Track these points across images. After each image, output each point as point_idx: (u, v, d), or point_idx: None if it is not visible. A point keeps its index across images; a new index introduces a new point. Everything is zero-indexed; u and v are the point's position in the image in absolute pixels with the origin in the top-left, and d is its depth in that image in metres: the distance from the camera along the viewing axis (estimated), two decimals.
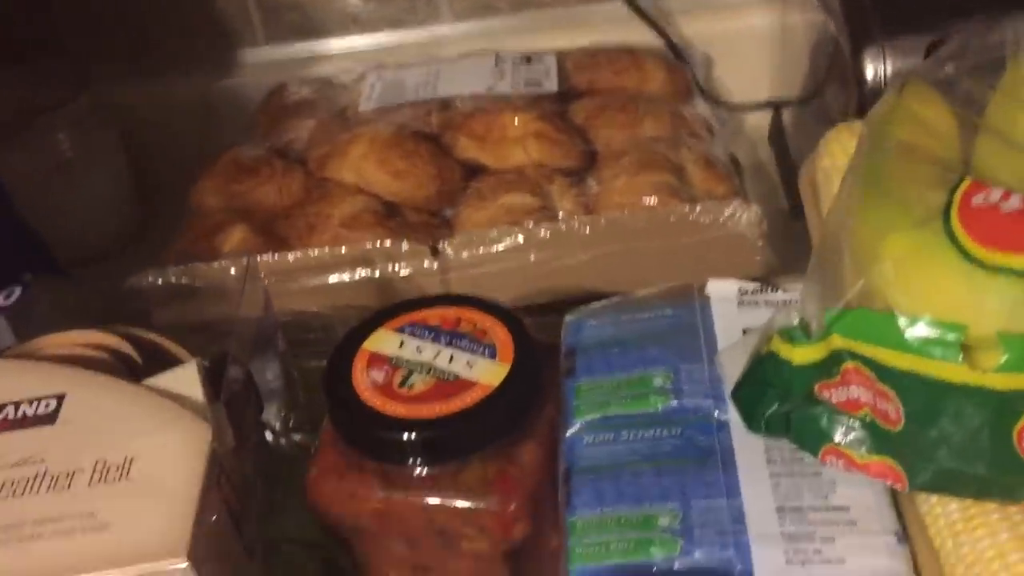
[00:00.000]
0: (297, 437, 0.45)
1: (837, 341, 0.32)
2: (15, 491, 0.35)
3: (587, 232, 0.55)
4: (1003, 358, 0.29)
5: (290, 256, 0.55)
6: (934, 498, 0.33)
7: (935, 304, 0.30)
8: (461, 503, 0.37)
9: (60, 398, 0.38)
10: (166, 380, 0.39)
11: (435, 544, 0.39)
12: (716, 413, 0.38)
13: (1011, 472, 0.29)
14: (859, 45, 0.53)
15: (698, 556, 0.33)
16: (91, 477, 0.35)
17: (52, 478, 0.36)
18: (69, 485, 0.35)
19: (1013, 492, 0.30)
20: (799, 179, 0.49)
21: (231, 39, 0.74)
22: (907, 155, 0.33)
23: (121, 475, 0.35)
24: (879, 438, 0.32)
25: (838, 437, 0.33)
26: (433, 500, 0.38)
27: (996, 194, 0.30)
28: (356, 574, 0.42)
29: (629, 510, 0.35)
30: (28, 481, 0.36)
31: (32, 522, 0.34)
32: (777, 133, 0.69)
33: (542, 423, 0.40)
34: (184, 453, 0.36)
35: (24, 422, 0.38)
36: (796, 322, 0.34)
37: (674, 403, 0.38)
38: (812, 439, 0.33)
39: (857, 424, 0.32)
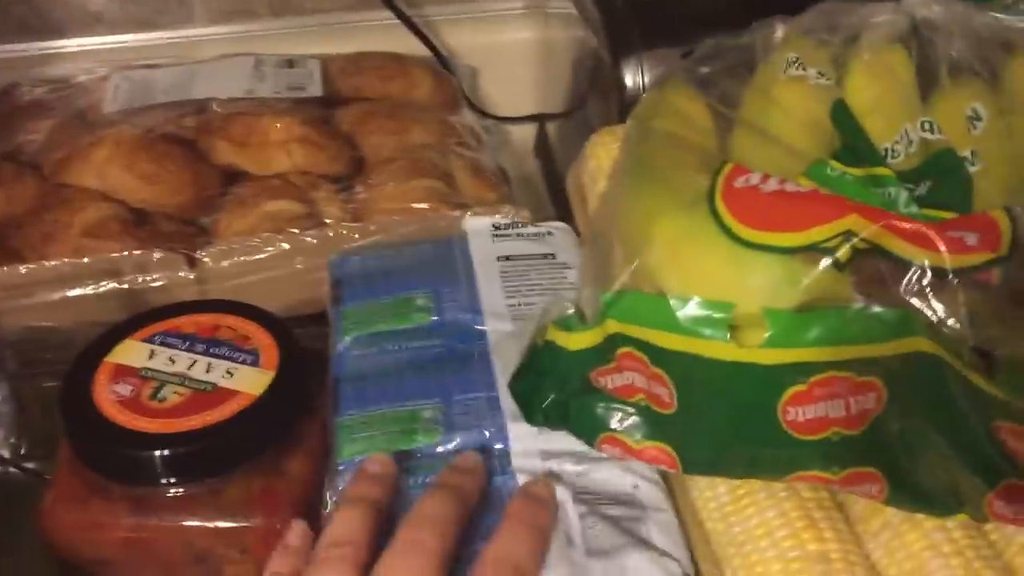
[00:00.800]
0: (30, 465, 0.40)
1: (612, 325, 0.32)
2: None
3: (356, 238, 0.53)
4: (767, 333, 0.29)
5: (22, 268, 0.50)
6: (704, 482, 0.33)
7: (704, 284, 0.30)
8: (222, 523, 0.34)
9: None
10: None
11: (195, 572, 0.36)
12: (475, 325, 0.40)
13: (777, 446, 0.30)
14: (619, 56, 0.54)
15: (459, 439, 0.36)
16: None
17: None
18: None
19: (779, 468, 0.31)
20: (567, 184, 0.50)
21: None
22: (672, 144, 0.34)
23: None
24: (653, 423, 0.32)
25: (614, 424, 0.33)
26: (191, 522, 0.34)
27: (756, 177, 0.31)
28: None
29: (393, 408, 0.37)
30: None
31: None
32: (542, 145, 0.71)
33: (311, 432, 0.38)
34: None
35: None
36: (571, 311, 0.33)
37: (435, 319, 0.41)
38: (589, 428, 0.33)
39: (632, 410, 0.33)
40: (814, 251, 0.30)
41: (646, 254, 0.31)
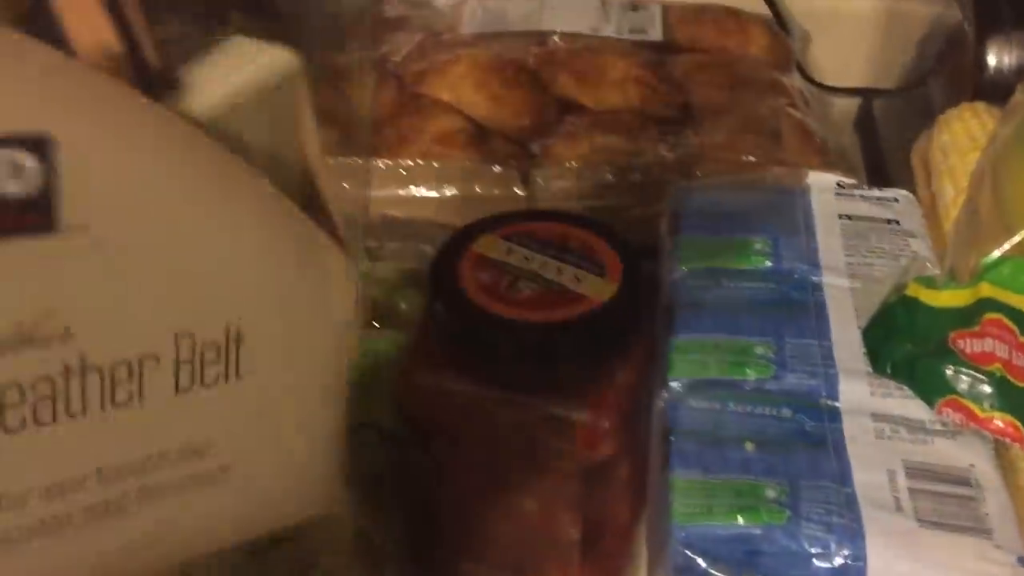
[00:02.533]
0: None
1: (985, 289, 0.32)
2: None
3: (680, 181, 0.54)
4: None
5: (381, 164, 0.55)
6: None
7: None
8: (555, 410, 0.37)
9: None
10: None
11: (517, 453, 0.39)
12: (812, 277, 0.40)
13: None
14: (986, 33, 0.52)
15: (789, 380, 0.36)
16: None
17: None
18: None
19: None
20: (911, 157, 0.49)
21: None
22: None
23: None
24: (1006, 394, 0.32)
25: (962, 388, 0.33)
26: (527, 404, 0.37)
27: None
28: (426, 472, 0.42)
29: (726, 339, 0.38)
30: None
31: None
32: (866, 119, 0.69)
33: (639, 349, 0.40)
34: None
35: None
36: (933, 271, 0.33)
37: (772, 264, 0.41)
38: (935, 387, 0.33)
39: (985, 378, 0.32)
40: None
41: None
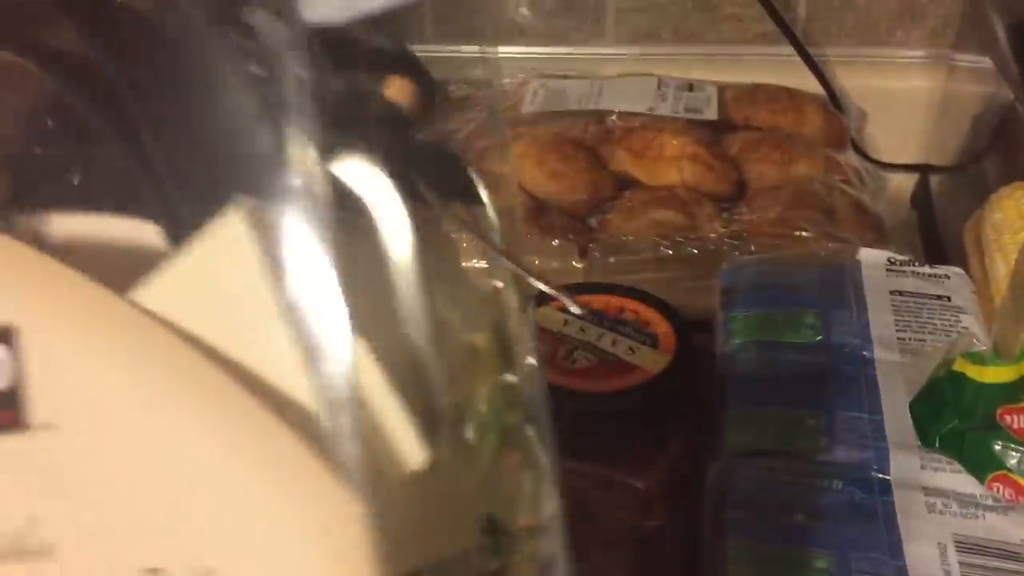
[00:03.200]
0: None
1: None
2: None
3: (736, 255, 0.55)
4: None
5: None
6: None
7: None
8: (611, 476, 0.38)
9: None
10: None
11: (572, 517, 0.40)
12: (863, 352, 0.41)
13: None
14: None
15: (841, 452, 0.37)
16: None
17: None
18: None
19: None
20: (964, 234, 0.50)
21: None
22: None
23: None
24: None
25: (1011, 463, 0.33)
26: (584, 470, 0.39)
27: None
28: None
29: (779, 411, 0.39)
30: None
31: None
32: (923, 195, 0.70)
33: (692, 420, 0.41)
34: None
35: None
36: (980, 347, 0.34)
37: (822, 338, 0.42)
38: (983, 463, 0.34)
39: None
40: None
41: None
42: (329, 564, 0.19)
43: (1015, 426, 0.33)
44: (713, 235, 0.57)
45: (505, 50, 0.77)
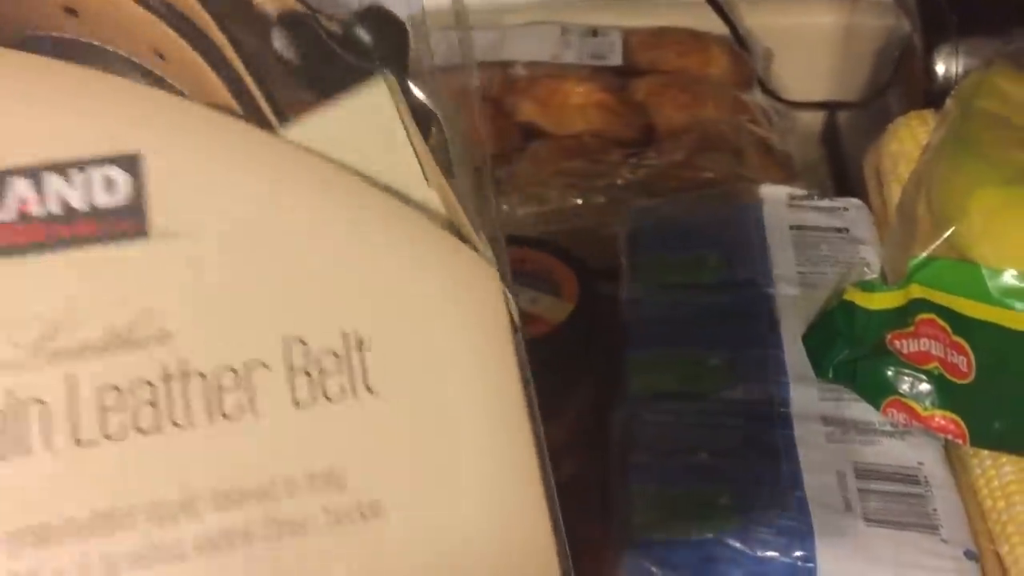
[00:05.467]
0: None
1: (916, 290, 0.32)
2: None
3: (643, 200, 0.55)
4: None
5: None
6: (988, 459, 0.33)
7: (1020, 256, 0.30)
8: None
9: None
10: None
11: None
12: (765, 289, 0.41)
13: None
14: (932, 43, 0.53)
15: (743, 389, 0.37)
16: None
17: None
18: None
19: None
20: (864, 165, 0.50)
21: None
22: (994, 123, 0.34)
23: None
24: (945, 392, 0.32)
25: (903, 388, 0.33)
26: None
27: None
28: None
29: (682, 352, 0.39)
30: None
31: None
32: (831, 133, 0.70)
33: (595, 370, 0.41)
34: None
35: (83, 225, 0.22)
36: (871, 276, 0.34)
37: (725, 277, 0.42)
38: (877, 389, 0.34)
39: (924, 377, 0.33)
40: None
41: (961, 224, 0.31)
42: (473, 310, 0.23)
43: (904, 351, 0.33)
44: (621, 181, 0.56)
45: None
